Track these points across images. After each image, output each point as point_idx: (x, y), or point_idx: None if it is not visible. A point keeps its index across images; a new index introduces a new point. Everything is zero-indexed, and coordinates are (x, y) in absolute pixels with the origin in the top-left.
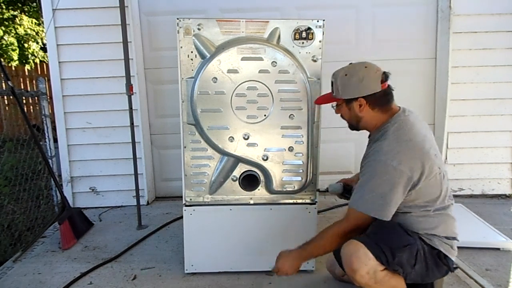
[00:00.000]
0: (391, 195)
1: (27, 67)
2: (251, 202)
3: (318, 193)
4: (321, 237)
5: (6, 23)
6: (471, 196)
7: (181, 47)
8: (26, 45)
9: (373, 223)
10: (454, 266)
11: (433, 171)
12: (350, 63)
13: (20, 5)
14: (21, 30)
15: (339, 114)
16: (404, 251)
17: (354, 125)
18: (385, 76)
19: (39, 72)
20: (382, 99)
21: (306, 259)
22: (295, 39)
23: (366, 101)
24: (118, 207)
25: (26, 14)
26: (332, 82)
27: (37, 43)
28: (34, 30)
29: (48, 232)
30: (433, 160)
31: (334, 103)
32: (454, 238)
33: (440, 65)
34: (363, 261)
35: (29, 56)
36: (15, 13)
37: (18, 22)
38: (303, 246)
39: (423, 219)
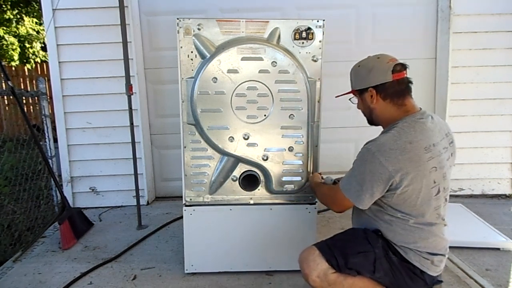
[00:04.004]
0: (369, 186)
1: (27, 66)
2: (251, 202)
3: None
4: (322, 189)
5: (7, 23)
6: (471, 196)
7: (181, 47)
8: (28, 45)
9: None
10: (437, 280)
11: (419, 183)
12: (368, 56)
13: (21, 6)
14: (22, 30)
15: (360, 110)
16: (357, 257)
17: (368, 118)
18: (400, 67)
19: (40, 72)
20: (394, 89)
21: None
22: (295, 39)
23: (377, 92)
24: (118, 207)
25: (28, 14)
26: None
27: (40, 42)
28: (35, 30)
29: (48, 232)
30: (425, 172)
31: (352, 97)
32: (440, 255)
33: (440, 65)
34: (312, 266)
35: (30, 55)
36: (16, 12)
37: (20, 23)
38: (319, 184)
39: (403, 232)
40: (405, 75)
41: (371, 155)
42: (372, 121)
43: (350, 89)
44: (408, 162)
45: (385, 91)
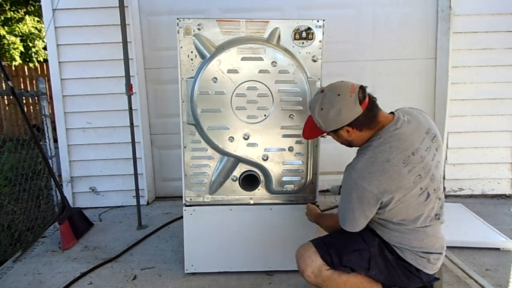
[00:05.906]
0: (360, 211)
1: (30, 65)
2: (251, 202)
3: (318, 193)
4: (325, 221)
5: (10, 22)
6: (471, 196)
7: (181, 47)
8: (31, 44)
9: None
10: (434, 278)
11: (406, 196)
12: (322, 90)
13: (23, 5)
14: (25, 29)
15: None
16: (352, 255)
17: (347, 146)
18: (362, 93)
19: (41, 71)
20: (367, 117)
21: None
22: (295, 39)
23: (352, 127)
24: (118, 207)
25: (30, 13)
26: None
27: (43, 41)
28: (37, 29)
29: (48, 232)
30: (409, 185)
31: (325, 134)
32: (437, 253)
33: (440, 65)
34: (308, 262)
35: (33, 54)
36: (21, 13)
37: (22, 22)
38: (320, 216)
39: (398, 234)
40: (369, 96)
41: (354, 183)
42: (351, 146)
43: (314, 123)
44: (390, 180)
45: (360, 124)
